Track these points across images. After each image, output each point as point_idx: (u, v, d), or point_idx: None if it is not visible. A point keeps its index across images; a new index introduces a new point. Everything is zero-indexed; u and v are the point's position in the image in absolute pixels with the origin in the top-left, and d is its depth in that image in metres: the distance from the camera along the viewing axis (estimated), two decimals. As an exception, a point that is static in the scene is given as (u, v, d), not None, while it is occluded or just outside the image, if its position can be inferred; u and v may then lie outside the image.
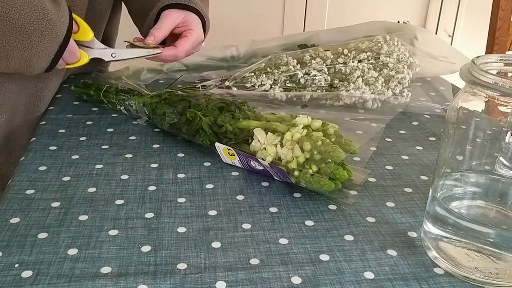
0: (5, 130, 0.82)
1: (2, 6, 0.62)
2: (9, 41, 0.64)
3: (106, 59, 0.71)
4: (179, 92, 0.80)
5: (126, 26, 1.03)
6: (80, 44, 0.70)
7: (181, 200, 0.62)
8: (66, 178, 0.65)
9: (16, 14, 0.63)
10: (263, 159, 0.64)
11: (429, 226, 0.54)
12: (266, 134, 0.66)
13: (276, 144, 0.64)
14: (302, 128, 0.63)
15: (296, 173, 0.61)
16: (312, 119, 0.65)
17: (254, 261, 0.52)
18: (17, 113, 0.84)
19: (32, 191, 0.62)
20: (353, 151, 0.63)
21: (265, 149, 0.65)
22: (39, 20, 0.64)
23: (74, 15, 0.69)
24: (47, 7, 0.65)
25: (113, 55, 0.71)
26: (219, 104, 0.73)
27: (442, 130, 0.54)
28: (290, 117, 0.68)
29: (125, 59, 0.71)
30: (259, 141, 0.66)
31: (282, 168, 0.62)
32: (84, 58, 0.71)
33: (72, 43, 0.69)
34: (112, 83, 0.89)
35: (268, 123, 0.68)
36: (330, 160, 0.60)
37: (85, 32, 0.69)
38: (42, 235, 0.55)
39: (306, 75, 0.89)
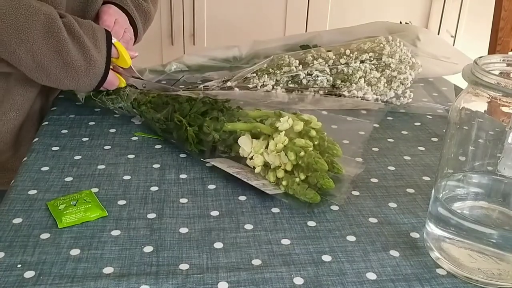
0: (14, 126, 0.83)
1: (54, 42, 0.72)
2: (61, 72, 0.74)
3: (138, 88, 0.84)
4: (162, 93, 0.80)
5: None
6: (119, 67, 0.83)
7: (183, 200, 0.62)
8: (69, 179, 0.65)
9: (65, 51, 0.73)
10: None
11: (431, 227, 0.54)
12: (252, 137, 0.66)
13: (262, 152, 0.64)
14: (285, 135, 0.63)
15: (284, 182, 0.62)
16: (294, 119, 0.65)
17: (256, 262, 0.52)
18: (29, 114, 0.85)
19: (35, 191, 0.62)
20: (336, 154, 0.63)
21: (252, 158, 0.65)
22: (84, 58, 0.75)
23: (117, 43, 0.80)
24: (88, 46, 0.75)
25: (143, 85, 0.84)
26: (202, 108, 0.72)
27: (444, 130, 0.54)
28: (273, 114, 0.68)
29: (150, 90, 0.84)
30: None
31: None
32: (122, 83, 0.82)
33: (110, 77, 0.79)
34: None
35: (252, 125, 0.68)
36: (315, 169, 0.60)
37: (124, 61, 0.81)
38: (45, 236, 0.55)
39: (308, 76, 0.89)
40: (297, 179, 0.61)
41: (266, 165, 0.64)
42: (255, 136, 0.67)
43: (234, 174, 0.65)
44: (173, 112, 0.73)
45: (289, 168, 0.61)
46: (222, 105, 0.73)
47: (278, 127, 0.64)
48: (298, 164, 0.61)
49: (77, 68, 0.74)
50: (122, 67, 0.82)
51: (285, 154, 0.61)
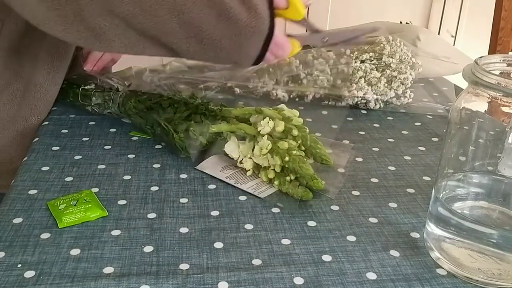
0: (35, 131, 0.82)
1: None
2: (216, 29, 0.58)
3: (319, 46, 0.63)
4: (144, 97, 0.79)
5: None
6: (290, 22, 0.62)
7: (184, 200, 0.62)
8: (69, 179, 0.65)
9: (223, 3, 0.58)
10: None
11: (431, 227, 0.54)
12: (238, 137, 0.67)
13: (250, 157, 0.65)
14: (268, 135, 0.64)
15: (276, 182, 0.62)
16: (275, 116, 0.66)
17: (257, 262, 0.52)
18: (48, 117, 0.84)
19: (35, 191, 0.62)
20: (320, 153, 0.64)
21: (241, 161, 0.66)
22: (242, 3, 0.58)
23: None
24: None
25: (324, 39, 0.62)
26: (185, 113, 0.71)
27: (444, 130, 0.54)
28: (254, 111, 0.69)
29: (337, 43, 0.62)
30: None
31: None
32: (295, 48, 0.63)
33: (279, 36, 0.61)
34: (93, 81, 0.86)
35: (236, 126, 0.68)
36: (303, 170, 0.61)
37: (296, 10, 0.60)
38: (45, 235, 0.55)
39: (308, 76, 0.89)
40: (288, 178, 0.61)
41: (257, 164, 0.65)
42: (241, 135, 0.68)
43: (227, 180, 0.65)
44: (157, 117, 0.73)
45: (278, 169, 0.62)
46: (204, 107, 0.72)
47: (260, 131, 0.65)
48: (285, 167, 0.62)
49: (235, 18, 0.57)
50: (294, 20, 0.62)
51: (272, 157, 0.62)
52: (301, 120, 0.66)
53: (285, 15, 0.61)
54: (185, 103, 0.73)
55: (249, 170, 0.65)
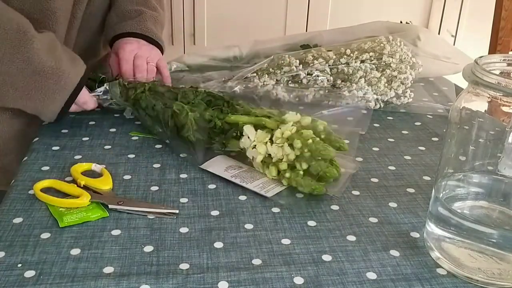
0: (13, 128, 0.82)
1: (24, 51, 0.70)
2: (29, 81, 0.71)
3: (110, 207, 0.60)
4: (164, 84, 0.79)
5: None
6: (95, 191, 0.62)
7: (184, 200, 0.62)
8: (69, 178, 0.65)
9: (36, 59, 0.71)
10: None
11: (431, 227, 0.54)
12: (256, 130, 0.66)
13: (266, 142, 0.64)
14: (292, 126, 0.63)
15: (287, 174, 0.62)
16: (301, 116, 0.66)
17: (257, 261, 0.52)
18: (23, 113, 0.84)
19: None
20: (343, 148, 0.64)
21: (255, 147, 0.65)
22: (55, 68, 0.72)
23: (104, 170, 0.66)
24: (61, 58, 0.73)
25: (119, 202, 0.60)
26: (207, 97, 0.71)
27: (445, 130, 0.54)
28: (278, 113, 0.68)
29: (126, 211, 0.59)
30: (248, 137, 0.66)
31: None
32: (84, 198, 0.60)
33: (84, 93, 0.77)
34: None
35: (257, 119, 0.68)
36: (320, 158, 0.60)
37: (106, 181, 0.64)
38: (45, 235, 0.55)
39: (308, 76, 0.89)
40: (301, 172, 0.61)
41: (264, 162, 0.65)
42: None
43: (232, 179, 0.65)
44: (174, 99, 0.72)
45: (292, 157, 0.61)
46: (229, 99, 0.72)
47: (285, 119, 0.64)
48: (300, 155, 0.61)
49: (48, 76, 0.71)
50: (102, 189, 0.63)
51: (291, 144, 0.61)
52: (325, 123, 0.66)
53: (94, 184, 0.63)
54: (207, 93, 0.72)
55: (261, 155, 0.64)
